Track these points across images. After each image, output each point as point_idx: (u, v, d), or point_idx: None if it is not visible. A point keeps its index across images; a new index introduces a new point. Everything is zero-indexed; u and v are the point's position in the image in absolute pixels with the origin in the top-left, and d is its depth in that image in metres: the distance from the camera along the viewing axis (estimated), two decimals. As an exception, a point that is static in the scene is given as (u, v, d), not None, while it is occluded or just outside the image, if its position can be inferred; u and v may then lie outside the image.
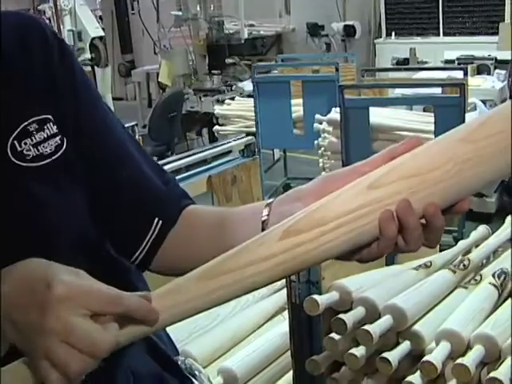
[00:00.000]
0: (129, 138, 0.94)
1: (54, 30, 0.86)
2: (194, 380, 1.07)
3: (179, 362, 1.07)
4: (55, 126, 0.81)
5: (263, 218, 0.82)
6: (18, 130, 0.78)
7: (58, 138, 0.81)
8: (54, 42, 0.84)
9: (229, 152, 2.46)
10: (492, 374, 1.26)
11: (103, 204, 0.89)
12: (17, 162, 0.77)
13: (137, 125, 3.23)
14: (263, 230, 0.80)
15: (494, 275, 1.61)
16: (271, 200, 0.84)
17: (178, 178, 2.25)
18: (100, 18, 9.67)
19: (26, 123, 0.79)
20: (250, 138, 2.57)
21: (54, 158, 0.80)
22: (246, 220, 0.85)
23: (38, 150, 0.79)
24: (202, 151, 2.36)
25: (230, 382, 1.70)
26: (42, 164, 0.79)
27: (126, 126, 3.15)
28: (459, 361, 1.30)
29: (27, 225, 0.78)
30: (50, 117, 0.81)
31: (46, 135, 0.80)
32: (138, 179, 0.92)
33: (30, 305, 0.64)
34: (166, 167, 2.24)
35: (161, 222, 0.93)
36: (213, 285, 0.71)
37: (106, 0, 9.40)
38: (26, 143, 0.78)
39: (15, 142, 0.77)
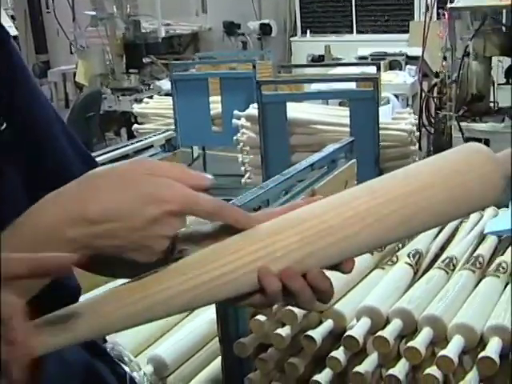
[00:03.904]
0: (58, 121, 0.92)
1: None
2: (124, 367, 1.08)
3: (108, 350, 1.07)
4: None
5: None
6: None
7: None
8: None
9: (150, 147, 2.48)
10: (409, 344, 1.33)
11: (33, 189, 0.87)
12: None
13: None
14: None
15: (409, 255, 1.70)
16: None
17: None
18: (12, 17, 9.44)
19: None
20: (170, 132, 2.60)
21: None
22: None
23: None
24: (123, 146, 2.37)
25: (160, 369, 1.72)
26: None
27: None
28: (379, 333, 1.38)
29: None
30: None
31: None
32: (64, 166, 0.89)
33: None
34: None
35: None
36: None
37: (19, -1, 9.20)
38: None
39: None
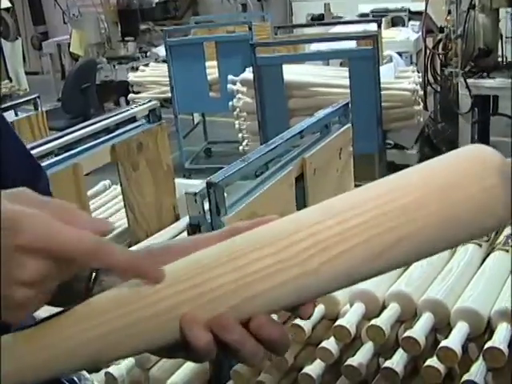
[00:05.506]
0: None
1: None
2: None
3: None
4: None
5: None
6: None
7: None
8: None
9: (133, 119, 2.31)
10: (407, 333, 1.18)
11: None
12: None
13: (39, 97, 3.03)
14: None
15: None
16: None
17: (79, 149, 2.10)
18: (9, -12, 9.28)
19: None
20: (153, 102, 2.42)
21: None
22: None
23: None
24: (104, 119, 2.21)
25: (142, 360, 1.61)
26: None
27: (29, 98, 2.93)
28: (373, 322, 1.23)
29: None
30: None
31: None
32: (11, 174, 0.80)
33: None
34: (65, 138, 2.10)
35: None
36: None
37: (13, -31, 9.00)
38: None
39: None
